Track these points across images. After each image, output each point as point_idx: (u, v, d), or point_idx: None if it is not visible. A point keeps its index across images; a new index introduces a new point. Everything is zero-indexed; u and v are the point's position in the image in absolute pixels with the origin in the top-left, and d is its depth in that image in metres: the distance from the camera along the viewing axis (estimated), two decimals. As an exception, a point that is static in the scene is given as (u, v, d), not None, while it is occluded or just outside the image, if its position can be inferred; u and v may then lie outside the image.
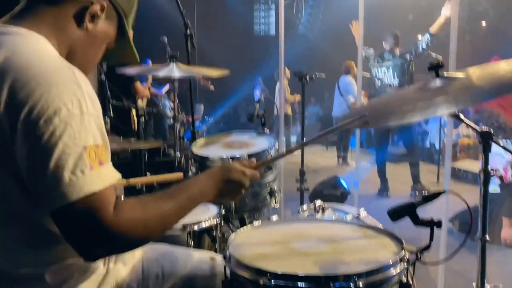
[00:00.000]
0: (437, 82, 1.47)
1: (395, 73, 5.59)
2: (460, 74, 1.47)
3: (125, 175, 1.44)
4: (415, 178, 5.59)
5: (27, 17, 1.04)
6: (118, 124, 3.34)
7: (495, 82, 1.40)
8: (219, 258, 1.38)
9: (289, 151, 1.46)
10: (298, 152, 3.82)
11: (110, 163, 0.98)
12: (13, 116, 0.89)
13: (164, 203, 1.04)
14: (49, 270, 1.03)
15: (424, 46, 5.39)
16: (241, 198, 2.10)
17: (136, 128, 3.81)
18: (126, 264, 1.23)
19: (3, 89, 0.91)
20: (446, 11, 5.17)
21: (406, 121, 1.58)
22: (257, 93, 10.43)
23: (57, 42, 1.05)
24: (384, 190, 5.68)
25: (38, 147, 0.88)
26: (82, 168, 0.90)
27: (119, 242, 0.94)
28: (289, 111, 8.97)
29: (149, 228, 0.99)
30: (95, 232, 0.91)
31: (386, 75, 5.62)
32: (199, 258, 1.39)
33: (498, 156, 4.28)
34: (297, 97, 8.31)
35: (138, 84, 4.93)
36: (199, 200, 1.14)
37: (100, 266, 1.15)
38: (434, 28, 5.32)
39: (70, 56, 1.08)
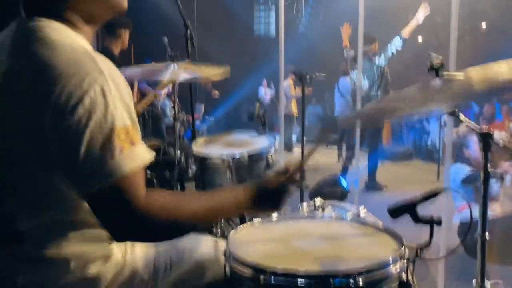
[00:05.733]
0: (437, 82, 1.47)
1: (365, 76, 5.57)
2: (460, 75, 1.46)
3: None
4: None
5: (46, 8, 1.04)
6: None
7: (493, 83, 1.40)
8: (221, 241, 1.39)
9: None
10: (298, 151, 3.83)
11: (143, 143, 0.98)
12: (42, 109, 0.91)
13: (196, 200, 1.07)
14: (74, 254, 1.06)
15: (394, 51, 5.40)
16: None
17: None
18: (141, 257, 1.25)
19: (35, 85, 0.92)
20: (420, 16, 5.13)
21: (403, 119, 1.61)
22: (262, 92, 10.44)
23: (79, 23, 1.06)
24: (371, 187, 5.69)
25: (66, 138, 0.91)
26: (112, 152, 0.91)
27: (148, 227, 0.95)
28: (294, 111, 8.95)
29: (179, 220, 1.01)
30: (125, 214, 0.93)
31: (357, 77, 5.67)
32: (204, 243, 1.39)
33: None
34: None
35: None
36: (233, 208, 1.18)
37: (119, 256, 1.17)
38: (405, 32, 5.30)
39: (93, 20, 1.09)
